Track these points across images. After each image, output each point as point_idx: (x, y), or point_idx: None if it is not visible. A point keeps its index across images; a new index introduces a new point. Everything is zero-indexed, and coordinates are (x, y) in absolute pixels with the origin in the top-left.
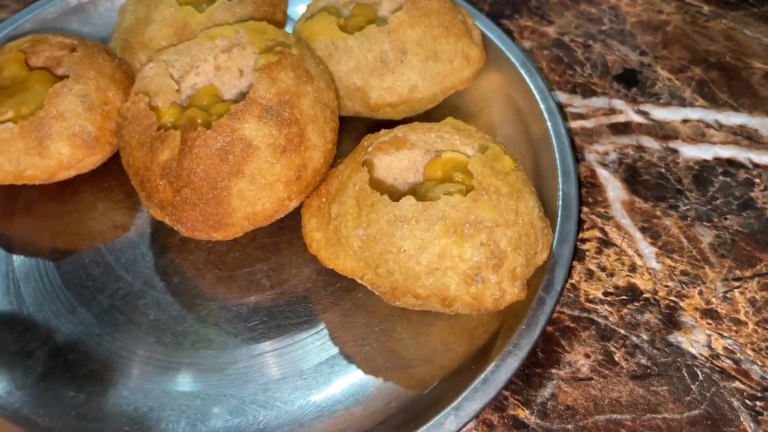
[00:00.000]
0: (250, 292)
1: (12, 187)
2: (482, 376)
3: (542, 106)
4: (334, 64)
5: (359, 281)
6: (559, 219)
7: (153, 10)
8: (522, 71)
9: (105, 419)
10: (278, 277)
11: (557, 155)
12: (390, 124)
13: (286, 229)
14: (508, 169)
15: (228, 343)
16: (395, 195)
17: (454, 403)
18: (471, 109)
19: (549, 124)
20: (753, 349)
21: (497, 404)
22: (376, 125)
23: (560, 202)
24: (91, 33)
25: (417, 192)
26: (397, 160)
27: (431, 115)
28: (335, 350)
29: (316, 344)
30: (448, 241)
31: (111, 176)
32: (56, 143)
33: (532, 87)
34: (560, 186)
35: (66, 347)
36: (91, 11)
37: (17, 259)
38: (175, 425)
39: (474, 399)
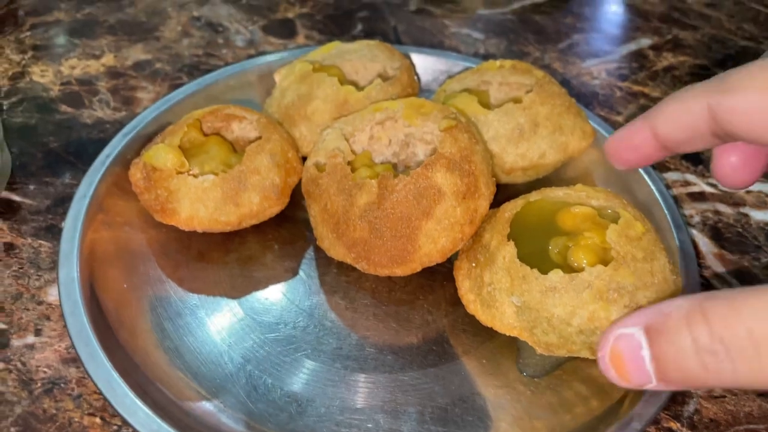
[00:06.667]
0: (414, 324)
1: (183, 238)
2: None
3: (641, 170)
4: None
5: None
6: (682, 264)
7: (316, 88)
8: None
9: None
10: (434, 315)
11: (666, 211)
12: (511, 187)
13: (438, 274)
14: (640, 234)
15: (405, 368)
16: (544, 266)
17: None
18: (571, 176)
19: (653, 187)
20: None
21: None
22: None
23: (680, 253)
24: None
25: (552, 248)
26: None
27: (545, 180)
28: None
29: (478, 376)
30: (596, 306)
31: (272, 230)
32: (250, 194)
33: None
34: (675, 236)
35: (259, 372)
36: (246, 87)
37: (201, 299)
38: None
39: (652, 405)
